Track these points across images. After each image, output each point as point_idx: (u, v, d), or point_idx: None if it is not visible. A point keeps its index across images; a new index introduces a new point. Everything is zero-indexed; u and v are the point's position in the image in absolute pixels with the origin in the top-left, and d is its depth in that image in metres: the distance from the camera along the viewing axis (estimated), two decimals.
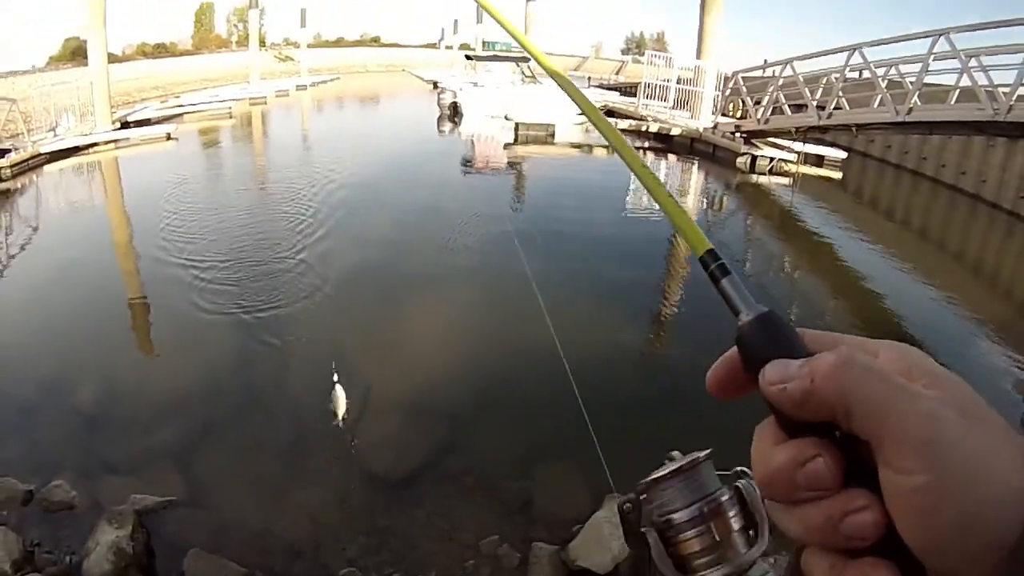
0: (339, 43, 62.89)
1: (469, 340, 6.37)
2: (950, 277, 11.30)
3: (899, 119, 12.46)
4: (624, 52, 62.85)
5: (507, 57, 25.72)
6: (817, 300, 8.56)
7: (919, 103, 12.21)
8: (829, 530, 0.31)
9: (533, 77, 22.56)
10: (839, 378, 0.31)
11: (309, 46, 38.38)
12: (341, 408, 4.64)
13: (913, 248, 13.38)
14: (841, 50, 13.90)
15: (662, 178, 13.87)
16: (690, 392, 4.85)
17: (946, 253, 13.57)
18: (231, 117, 21.48)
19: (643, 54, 24.95)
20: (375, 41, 66.19)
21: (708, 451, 0.41)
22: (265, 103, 25.47)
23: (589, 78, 33.28)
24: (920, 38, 12.04)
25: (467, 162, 15.22)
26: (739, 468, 0.41)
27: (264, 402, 5.25)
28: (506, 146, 16.66)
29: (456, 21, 43.57)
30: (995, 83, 10.84)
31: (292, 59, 39.45)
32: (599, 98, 22.80)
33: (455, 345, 6.24)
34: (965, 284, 11.27)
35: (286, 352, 5.90)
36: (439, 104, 21.80)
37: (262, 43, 39.81)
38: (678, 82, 20.44)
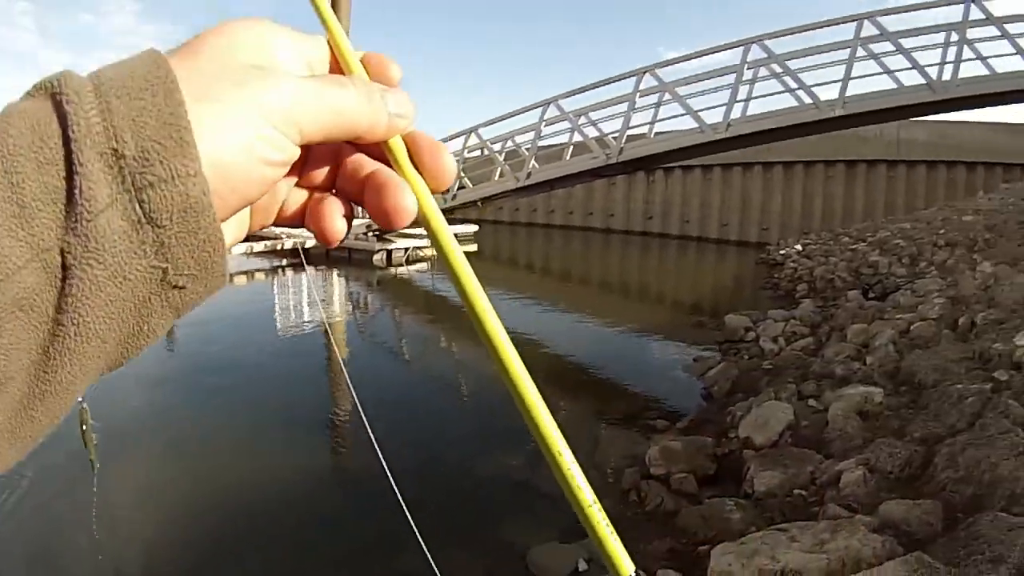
0: None
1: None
2: (601, 298, 12.01)
3: (520, 184, 13.42)
4: None
5: None
6: (477, 366, 7.50)
7: (537, 165, 13.31)
8: None
9: None
10: None
11: None
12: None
13: (557, 287, 13.94)
14: (458, 135, 14.59)
15: (303, 290, 12.25)
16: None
17: (591, 281, 14.38)
18: None
19: None
20: None
21: None
22: None
23: None
24: (532, 109, 13.10)
25: None
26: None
27: None
28: None
29: None
30: (606, 132, 12.14)
31: None
32: None
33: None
34: (616, 299, 12.15)
35: None
36: None
37: None
38: None
